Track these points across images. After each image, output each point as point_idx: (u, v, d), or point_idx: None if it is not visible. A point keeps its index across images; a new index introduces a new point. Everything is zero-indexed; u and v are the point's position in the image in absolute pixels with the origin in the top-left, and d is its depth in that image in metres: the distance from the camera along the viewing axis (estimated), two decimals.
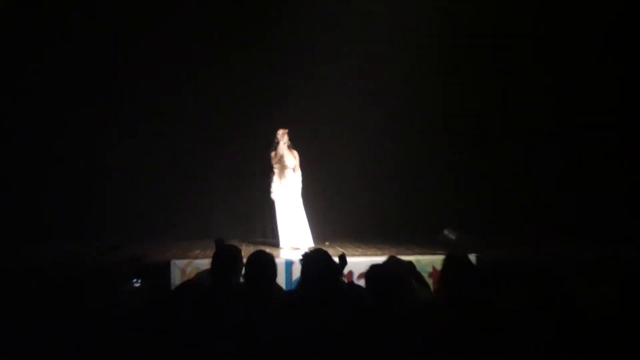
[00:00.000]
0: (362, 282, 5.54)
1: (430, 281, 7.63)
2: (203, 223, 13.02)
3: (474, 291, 4.63)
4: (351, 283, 6.29)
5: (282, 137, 10.70)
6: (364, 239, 11.92)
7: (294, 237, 10.65)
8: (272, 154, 10.78)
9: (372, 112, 13.65)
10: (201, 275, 6.24)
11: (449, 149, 13.80)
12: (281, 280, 6.79)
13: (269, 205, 11.13)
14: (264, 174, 11.18)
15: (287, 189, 10.69)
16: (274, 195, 10.77)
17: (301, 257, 5.23)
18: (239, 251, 5.51)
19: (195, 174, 13.32)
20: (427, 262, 8.39)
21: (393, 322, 4.29)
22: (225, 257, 5.41)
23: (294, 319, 4.13)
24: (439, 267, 6.70)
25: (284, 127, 10.89)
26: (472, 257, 7.38)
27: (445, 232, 10.92)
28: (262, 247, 8.17)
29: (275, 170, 10.74)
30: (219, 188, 13.29)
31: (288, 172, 10.67)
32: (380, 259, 6.01)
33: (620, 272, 5.00)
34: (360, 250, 10.44)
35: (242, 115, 13.57)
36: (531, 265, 6.61)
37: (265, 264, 5.08)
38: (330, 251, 5.76)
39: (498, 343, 3.66)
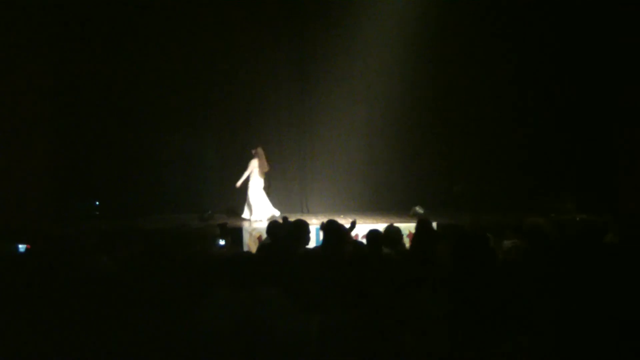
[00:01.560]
0: (363, 240, 6.00)
1: (407, 240, 8.10)
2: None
3: (432, 247, 5.14)
4: (356, 241, 6.55)
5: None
6: (362, 212, 12.00)
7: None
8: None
9: (365, 110, 12.83)
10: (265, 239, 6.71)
11: (417, 140, 12.80)
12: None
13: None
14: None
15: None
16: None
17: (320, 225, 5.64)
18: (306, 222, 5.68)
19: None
20: (406, 227, 8.82)
21: (380, 264, 4.66)
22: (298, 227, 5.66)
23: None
24: (412, 230, 7.16)
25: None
26: (434, 224, 7.74)
27: (416, 208, 11.43)
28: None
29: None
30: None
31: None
32: (376, 226, 6.51)
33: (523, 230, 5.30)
34: (362, 219, 10.46)
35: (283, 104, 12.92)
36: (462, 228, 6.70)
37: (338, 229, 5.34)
38: (342, 221, 6.00)
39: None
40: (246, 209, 11.29)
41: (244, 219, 11.12)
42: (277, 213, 11.14)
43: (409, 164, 12.88)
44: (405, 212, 11.49)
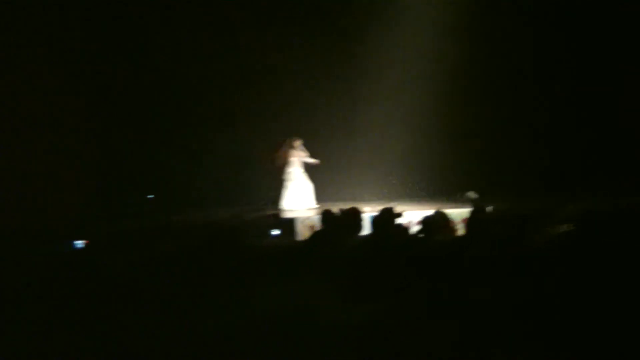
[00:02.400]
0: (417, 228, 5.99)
1: (460, 226, 8.02)
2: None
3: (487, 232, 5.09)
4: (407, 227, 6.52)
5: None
6: (413, 198, 12.02)
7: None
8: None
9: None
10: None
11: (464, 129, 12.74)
12: None
13: None
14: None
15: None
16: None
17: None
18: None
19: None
20: (459, 213, 8.78)
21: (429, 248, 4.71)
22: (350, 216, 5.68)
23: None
24: (466, 216, 7.08)
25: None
26: (489, 209, 7.66)
27: (468, 193, 11.35)
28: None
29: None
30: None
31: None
32: (427, 212, 6.53)
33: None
34: (412, 206, 10.52)
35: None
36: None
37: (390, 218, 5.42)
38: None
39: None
40: (288, 200, 11.32)
41: (282, 209, 11.11)
42: (313, 205, 11.17)
43: (459, 148, 12.80)
44: (457, 198, 11.49)
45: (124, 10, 11.90)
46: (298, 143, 11.29)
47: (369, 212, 6.92)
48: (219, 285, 3.66)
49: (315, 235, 5.80)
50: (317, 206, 10.96)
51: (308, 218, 9.47)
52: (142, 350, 3.15)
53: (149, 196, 12.06)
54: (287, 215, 10.07)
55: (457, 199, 11.39)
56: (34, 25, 10.82)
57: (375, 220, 5.36)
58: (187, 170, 12.57)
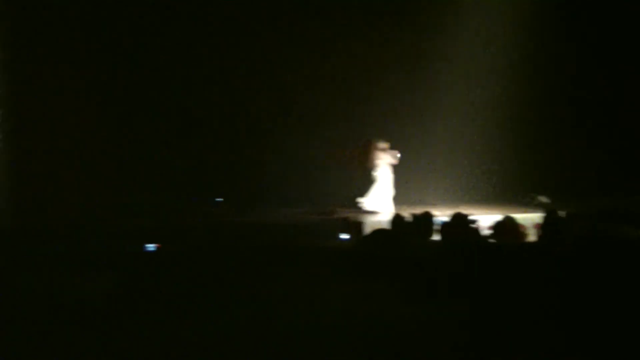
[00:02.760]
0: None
1: (532, 231, 7.90)
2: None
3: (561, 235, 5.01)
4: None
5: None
6: (484, 202, 11.86)
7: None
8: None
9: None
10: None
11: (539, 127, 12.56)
12: None
13: None
14: None
15: None
16: None
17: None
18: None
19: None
20: (531, 218, 8.65)
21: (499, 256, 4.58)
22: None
23: None
24: (538, 221, 6.98)
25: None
26: (562, 213, 7.53)
27: (540, 197, 11.14)
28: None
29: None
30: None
31: None
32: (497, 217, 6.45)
33: None
34: (484, 210, 10.32)
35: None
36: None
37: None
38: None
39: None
40: (371, 200, 11.39)
41: (367, 211, 11.22)
42: (391, 209, 11.12)
43: (529, 152, 12.63)
44: (528, 202, 11.28)
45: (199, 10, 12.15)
46: (383, 145, 11.35)
47: (439, 217, 6.89)
48: (285, 284, 3.71)
49: (377, 234, 5.82)
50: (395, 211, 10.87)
51: (378, 222, 9.45)
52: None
53: (217, 199, 12.19)
54: (357, 218, 10.08)
55: (528, 204, 11.14)
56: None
57: (448, 226, 5.37)
58: (260, 170, 12.66)
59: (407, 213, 6.64)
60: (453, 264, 4.09)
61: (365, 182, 11.52)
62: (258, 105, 12.65)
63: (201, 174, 12.38)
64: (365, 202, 11.35)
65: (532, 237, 5.97)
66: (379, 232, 4.69)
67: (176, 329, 3.33)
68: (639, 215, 5.26)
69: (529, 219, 8.45)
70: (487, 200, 12.24)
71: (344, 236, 5.63)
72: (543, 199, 10.93)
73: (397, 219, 6.11)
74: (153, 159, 11.78)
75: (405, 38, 12.68)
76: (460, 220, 5.29)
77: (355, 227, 7.77)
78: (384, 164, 11.32)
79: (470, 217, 5.60)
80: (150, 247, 5.85)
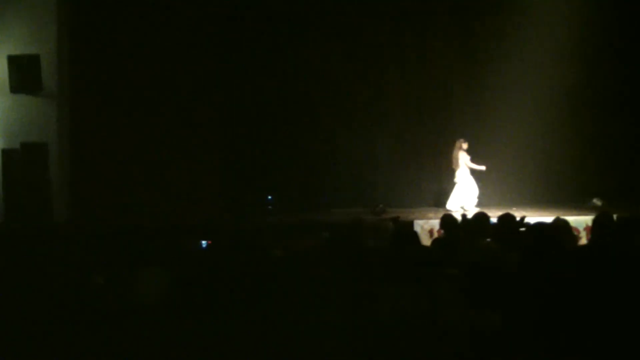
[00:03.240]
0: None
1: (584, 233, 7.87)
2: (436, 195, 12.67)
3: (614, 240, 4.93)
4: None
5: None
6: (536, 204, 11.83)
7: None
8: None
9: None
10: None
11: (589, 126, 12.48)
12: None
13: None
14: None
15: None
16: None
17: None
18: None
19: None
20: (583, 220, 8.59)
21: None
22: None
23: None
24: (590, 223, 6.92)
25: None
26: (614, 216, 7.42)
27: (594, 199, 11.00)
28: None
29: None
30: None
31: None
32: (548, 219, 6.45)
33: None
34: (536, 211, 10.45)
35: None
36: None
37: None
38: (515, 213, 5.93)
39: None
40: (453, 200, 11.53)
41: (450, 210, 11.14)
42: (472, 207, 11.25)
43: (585, 153, 12.51)
44: (582, 204, 11.16)
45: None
46: (465, 145, 11.47)
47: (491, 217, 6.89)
48: (335, 290, 3.77)
49: (437, 240, 5.88)
50: (477, 209, 11.02)
51: (427, 222, 9.51)
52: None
53: (268, 197, 12.37)
54: (407, 218, 10.15)
55: (581, 206, 11.03)
56: None
57: (496, 225, 5.37)
58: (311, 169, 12.87)
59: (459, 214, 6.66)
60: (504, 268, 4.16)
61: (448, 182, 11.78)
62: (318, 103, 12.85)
63: (256, 172, 12.61)
64: (450, 203, 11.47)
65: (583, 240, 5.97)
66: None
67: (231, 325, 3.52)
68: None
69: (582, 221, 8.44)
70: (546, 201, 12.15)
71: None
72: (597, 200, 10.81)
73: (447, 220, 6.14)
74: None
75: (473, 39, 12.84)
76: (508, 222, 5.26)
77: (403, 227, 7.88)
78: (466, 164, 11.41)
79: (519, 218, 5.55)
80: (203, 243, 5.95)
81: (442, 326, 3.29)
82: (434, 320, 3.32)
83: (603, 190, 11.51)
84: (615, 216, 7.22)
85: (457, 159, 11.36)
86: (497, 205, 11.46)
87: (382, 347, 3.26)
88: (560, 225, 5.41)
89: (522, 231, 5.60)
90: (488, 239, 5.29)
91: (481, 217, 5.56)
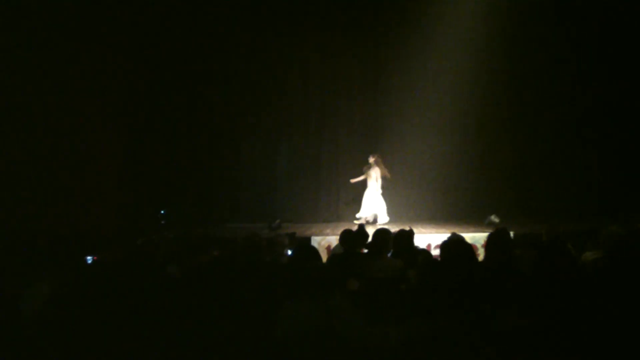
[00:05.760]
0: (437, 251, 6.07)
1: (481, 250, 8.10)
2: (333, 209, 13.14)
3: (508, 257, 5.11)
4: (427, 250, 6.55)
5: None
6: (434, 221, 12.16)
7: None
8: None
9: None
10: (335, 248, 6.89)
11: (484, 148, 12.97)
12: None
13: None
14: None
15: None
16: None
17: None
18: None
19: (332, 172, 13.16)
20: (480, 237, 8.85)
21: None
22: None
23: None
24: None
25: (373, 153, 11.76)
26: (511, 233, 7.70)
27: (491, 216, 11.39)
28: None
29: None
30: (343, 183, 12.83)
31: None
32: (445, 236, 6.56)
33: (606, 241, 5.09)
34: (434, 228, 10.66)
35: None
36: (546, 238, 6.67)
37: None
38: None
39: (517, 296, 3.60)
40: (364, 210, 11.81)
41: (358, 219, 11.62)
42: (386, 219, 11.61)
43: (483, 170, 12.97)
44: (479, 221, 11.47)
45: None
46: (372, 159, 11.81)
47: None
48: (232, 306, 3.74)
49: (334, 256, 5.91)
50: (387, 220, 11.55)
51: (324, 238, 9.59)
52: None
53: (161, 211, 12.23)
54: (304, 234, 10.19)
55: (478, 223, 11.41)
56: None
57: (393, 242, 5.47)
58: (205, 183, 12.96)
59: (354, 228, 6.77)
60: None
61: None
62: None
63: (149, 185, 12.47)
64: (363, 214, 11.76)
65: (481, 257, 6.13)
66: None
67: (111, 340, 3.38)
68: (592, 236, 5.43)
69: (480, 237, 8.71)
70: (438, 218, 12.48)
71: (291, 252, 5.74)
72: (494, 218, 11.21)
73: (346, 235, 6.18)
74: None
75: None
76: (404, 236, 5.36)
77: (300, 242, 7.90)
78: (374, 176, 11.77)
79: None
80: (89, 259, 5.77)
81: (340, 342, 3.26)
82: (331, 336, 3.28)
83: (500, 207, 11.87)
84: (512, 233, 7.53)
85: (371, 173, 11.73)
86: (395, 221, 11.64)
87: None
88: (457, 241, 5.50)
89: (419, 248, 5.78)
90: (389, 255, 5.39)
91: (382, 233, 5.61)
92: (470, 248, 5.04)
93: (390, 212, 11.93)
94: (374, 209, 11.72)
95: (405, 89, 12.94)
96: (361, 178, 11.92)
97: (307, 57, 13.10)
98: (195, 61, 12.63)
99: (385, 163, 11.87)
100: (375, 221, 11.59)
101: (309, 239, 9.51)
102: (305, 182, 13.06)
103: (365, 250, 5.73)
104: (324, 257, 8.22)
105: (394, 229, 6.10)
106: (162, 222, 12.04)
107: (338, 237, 6.23)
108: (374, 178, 11.71)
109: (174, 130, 12.71)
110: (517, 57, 12.64)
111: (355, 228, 6.60)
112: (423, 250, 6.05)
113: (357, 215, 11.76)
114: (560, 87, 12.61)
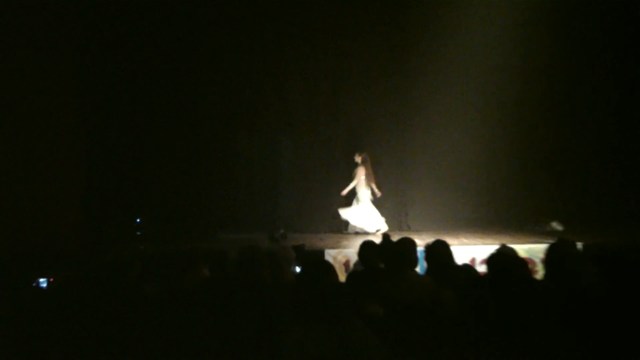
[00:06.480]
0: (482, 267, 6.03)
1: (540, 266, 8.04)
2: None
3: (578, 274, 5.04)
4: (470, 266, 6.52)
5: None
6: (478, 229, 12.21)
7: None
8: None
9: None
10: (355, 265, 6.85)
11: (547, 148, 13.15)
12: None
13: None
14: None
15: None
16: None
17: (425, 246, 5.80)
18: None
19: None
20: (539, 249, 8.81)
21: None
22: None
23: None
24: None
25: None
26: (579, 245, 7.64)
27: (553, 223, 11.35)
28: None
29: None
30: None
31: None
32: (493, 248, 6.51)
33: None
34: (479, 239, 10.62)
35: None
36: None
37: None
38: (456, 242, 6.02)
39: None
40: (353, 223, 12.04)
41: (349, 233, 11.83)
42: (385, 227, 11.74)
43: (535, 171, 13.12)
44: (534, 230, 11.51)
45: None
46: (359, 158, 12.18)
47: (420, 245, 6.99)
48: (233, 330, 3.84)
49: (353, 275, 5.90)
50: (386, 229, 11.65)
51: (341, 252, 9.58)
52: None
53: (137, 219, 12.30)
54: (315, 246, 10.22)
55: (535, 230, 11.37)
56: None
57: (428, 255, 5.48)
58: (194, 187, 13.10)
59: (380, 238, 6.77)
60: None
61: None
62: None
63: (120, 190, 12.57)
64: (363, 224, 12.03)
65: (540, 273, 6.07)
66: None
67: None
68: None
69: (536, 250, 8.66)
70: (480, 226, 12.58)
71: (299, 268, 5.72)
72: (556, 225, 11.17)
73: (366, 248, 6.17)
74: None
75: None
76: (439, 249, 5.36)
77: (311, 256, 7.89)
78: (363, 180, 12.10)
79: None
80: (42, 281, 6.00)
81: None
82: None
83: (560, 212, 12.01)
84: (579, 244, 7.46)
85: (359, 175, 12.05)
86: (423, 230, 11.86)
87: None
88: (507, 255, 5.35)
89: (460, 265, 5.75)
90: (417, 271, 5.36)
91: (407, 244, 5.56)
92: (524, 263, 5.03)
93: (421, 219, 11.96)
94: (363, 216, 11.98)
95: (434, 81, 13.19)
96: (353, 184, 12.21)
97: (307, 57, 13.33)
98: (185, 54, 12.93)
99: (374, 167, 12.34)
100: (366, 232, 11.82)
101: (321, 253, 9.54)
102: (315, 184, 13.10)
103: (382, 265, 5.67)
104: (341, 276, 8.22)
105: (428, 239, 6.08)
106: (137, 233, 12.04)
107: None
108: (362, 180, 12.03)
109: (151, 122, 12.84)
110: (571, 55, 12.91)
111: (378, 240, 6.59)
112: (466, 265, 6.01)
113: (352, 224, 12.09)
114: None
